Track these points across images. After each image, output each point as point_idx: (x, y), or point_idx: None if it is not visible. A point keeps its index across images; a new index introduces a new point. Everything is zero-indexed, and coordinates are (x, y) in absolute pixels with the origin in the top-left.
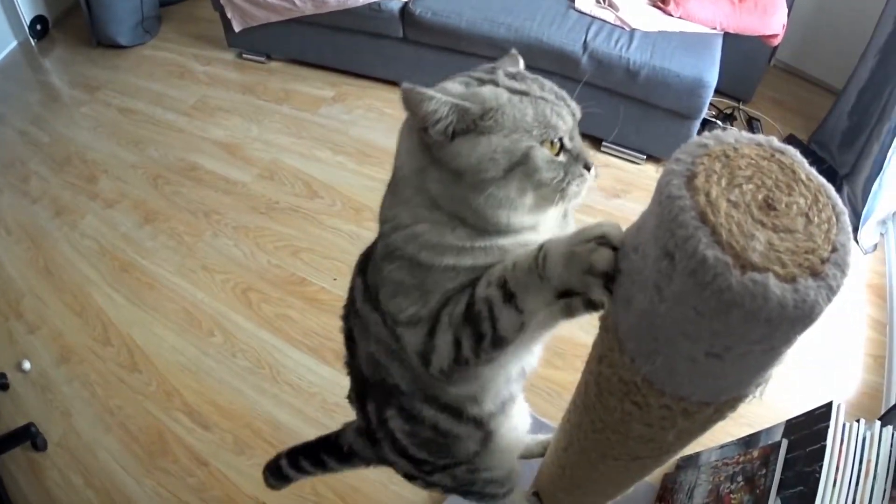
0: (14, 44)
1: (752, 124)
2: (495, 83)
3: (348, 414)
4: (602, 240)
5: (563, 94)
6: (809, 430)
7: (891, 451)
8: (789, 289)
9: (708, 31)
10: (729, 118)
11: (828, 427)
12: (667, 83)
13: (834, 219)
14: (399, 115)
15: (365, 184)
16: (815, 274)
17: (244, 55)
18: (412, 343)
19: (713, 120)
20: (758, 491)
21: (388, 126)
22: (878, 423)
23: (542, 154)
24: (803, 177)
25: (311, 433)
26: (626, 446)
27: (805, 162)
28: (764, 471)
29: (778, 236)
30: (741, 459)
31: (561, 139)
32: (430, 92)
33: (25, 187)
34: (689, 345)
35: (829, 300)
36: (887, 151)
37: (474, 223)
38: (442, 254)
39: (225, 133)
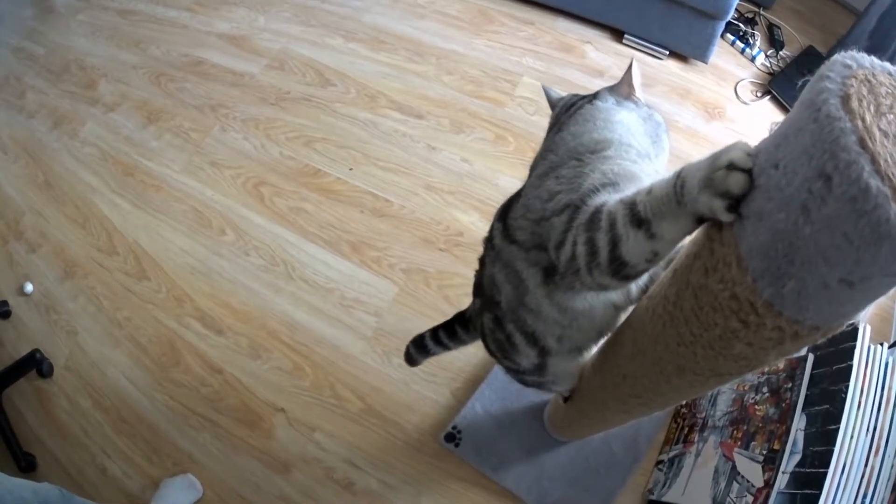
0: None
1: (772, 31)
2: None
3: (367, 310)
4: (732, 165)
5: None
6: (836, 347)
7: None
8: None
9: None
10: (750, 22)
11: (854, 346)
12: None
13: None
14: None
15: (380, 70)
16: None
17: None
18: (556, 232)
19: (735, 22)
20: (783, 405)
21: (403, 12)
22: None
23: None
24: None
25: (328, 332)
26: (715, 363)
27: None
28: (790, 384)
29: None
30: (767, 370)
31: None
32: None
33: (21, 103)
34: (826, 270)
35: None
36: None
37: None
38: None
39: (230, 25)
